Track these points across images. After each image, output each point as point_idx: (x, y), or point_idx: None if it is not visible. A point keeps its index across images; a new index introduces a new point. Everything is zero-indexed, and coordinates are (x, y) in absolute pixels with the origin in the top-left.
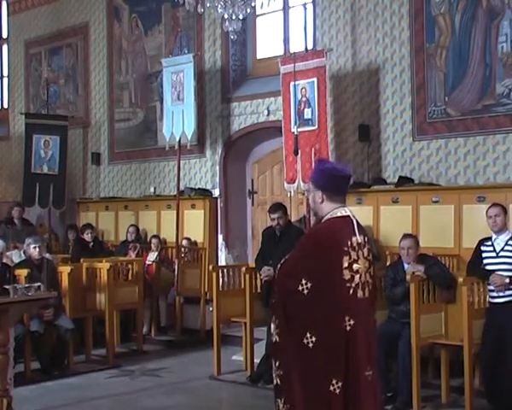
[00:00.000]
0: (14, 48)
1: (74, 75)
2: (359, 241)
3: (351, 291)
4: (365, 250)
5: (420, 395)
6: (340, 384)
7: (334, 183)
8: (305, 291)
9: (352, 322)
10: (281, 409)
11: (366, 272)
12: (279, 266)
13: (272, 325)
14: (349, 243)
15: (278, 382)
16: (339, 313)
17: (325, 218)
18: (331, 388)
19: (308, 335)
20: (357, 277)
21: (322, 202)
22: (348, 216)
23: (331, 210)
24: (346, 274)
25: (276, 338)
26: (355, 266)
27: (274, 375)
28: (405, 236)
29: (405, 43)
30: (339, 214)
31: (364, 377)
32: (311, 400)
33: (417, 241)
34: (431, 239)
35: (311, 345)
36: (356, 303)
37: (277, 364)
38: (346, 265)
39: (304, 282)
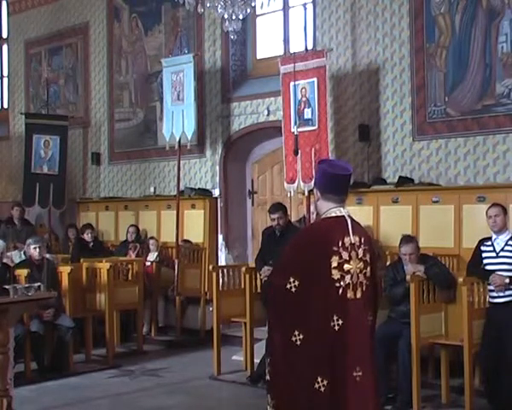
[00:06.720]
0: (14, 48)
1: (74, 75)
2: (353, 241)
3: (340, 291)
4: (360, 251)
5: (420, 395)
6: (325, 383)
7: (326, 181)
8: (293, 289)
9: (340, 322)
10: (269, 403)
11: (360, 272)
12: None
13: (266, 322)
14: (340, 242)
15: (268, 377)
16: (326, 312)
17: (321, 217)
18: (316, 385)
19: (296, 332)
20: (347, 277)
21: (318, 199)
22: (343, 216)
23: (327, 209)
24: (336, 274)
25: (267, 335)
26: (346, 266)
27: (266, 371)
28: (406, 240)
29: (405, 43)
30: (333, 214)
31: (352, 378)
32: (296, 396)
33: (418, 244)
34: (431, 239)
35: (298, 343)
36: (345, 304)
37: (269, 360)
38: (335, 265)
39: (292, 280)
